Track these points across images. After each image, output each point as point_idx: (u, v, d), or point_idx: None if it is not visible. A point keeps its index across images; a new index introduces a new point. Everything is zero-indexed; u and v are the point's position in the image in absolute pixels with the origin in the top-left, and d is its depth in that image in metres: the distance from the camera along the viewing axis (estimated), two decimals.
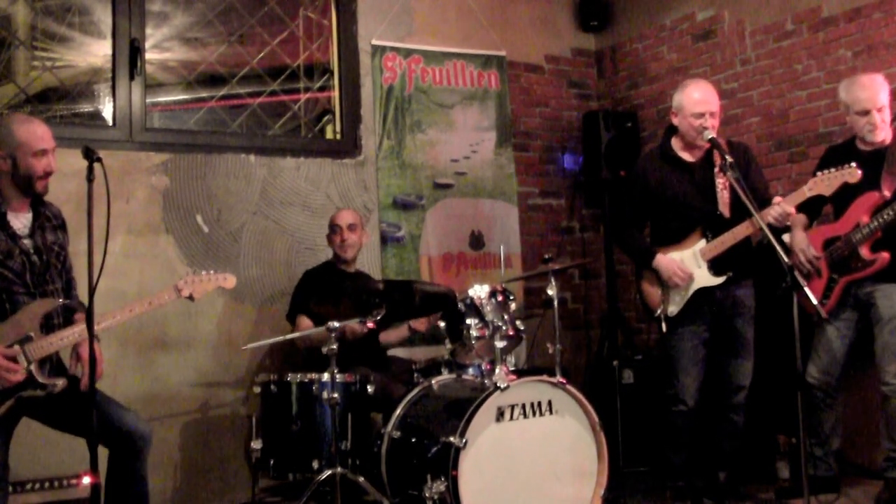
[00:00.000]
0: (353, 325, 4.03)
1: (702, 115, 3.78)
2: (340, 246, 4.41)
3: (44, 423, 3.16)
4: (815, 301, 3.22)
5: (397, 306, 3.89)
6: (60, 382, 3.00)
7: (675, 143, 3.95)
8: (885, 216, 3.66)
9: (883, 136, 3.81)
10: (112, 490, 3.09)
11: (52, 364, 3.09)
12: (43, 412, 3.10)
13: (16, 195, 3.10)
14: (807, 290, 3.18)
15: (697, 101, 3.80)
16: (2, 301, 2.99)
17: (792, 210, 3.64)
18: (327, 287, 4.31)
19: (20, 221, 3.11)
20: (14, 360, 2.91)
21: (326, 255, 4.71)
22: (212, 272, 3.31)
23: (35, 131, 3.08)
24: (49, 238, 3.17)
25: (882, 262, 3.72)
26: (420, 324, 4.42)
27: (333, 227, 4.45)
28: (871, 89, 3.78)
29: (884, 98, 3.79)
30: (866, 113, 3.78)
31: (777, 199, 3.67)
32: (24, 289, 3.03)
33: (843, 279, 3.83)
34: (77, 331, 3.00)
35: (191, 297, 3.24)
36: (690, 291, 3.81)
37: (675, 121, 3.90)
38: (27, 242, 3.09)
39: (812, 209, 3.96)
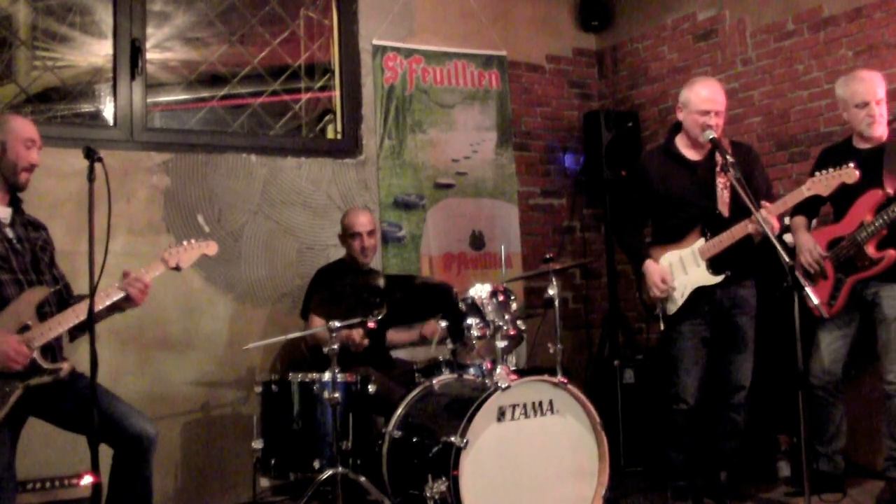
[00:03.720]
0: (353, 335, 4.04)
1: (707, 112, 3.77)
2: (362, 252, 4.37)
3: (50, 422, 3.16)
4: (816, 301, 3.22)
5: (398, 302, 3.89)
6: (66, 366, 3.03)
7: (680, 141, 3.94)
8: (891, 213, 3.64)
9: (881, 130, 3.80)
10: (115, 490, 3.09)
11: (54, 351, 3.10)
12: (49, 410, 3.10)
13: None
14: (807, 290, 3.17)
15: (705, 98, 3.79)
16: None
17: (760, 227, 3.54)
18: (338, 285, 4.30)
19: (1, 212, 3.13)
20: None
21: (327, 254, 4.70)
22: (193, 241, 3.33)
23: (26, 124, 3.22)
24: (32, 234, 3.20)
25: (889, 260, 3.70)
26: (429, 328, 4.42)
27: (354, 234, 4.38)
28: (869, 82, 3.78)
29: (881, 92, 3.79)
30: (865, 105, 3.77)
31: (765, 204, 3.58)
32: (11, 275, 3.03)
33: (850, 279, 3.81)
34: (73, 314, 3.01)
35: (177, 268, 3.26)
36: (688, 290, 3.81)
37: (680, 116, 3.89)
38: (9, 231, 3.11)
39: (810, 210, 3.96)
